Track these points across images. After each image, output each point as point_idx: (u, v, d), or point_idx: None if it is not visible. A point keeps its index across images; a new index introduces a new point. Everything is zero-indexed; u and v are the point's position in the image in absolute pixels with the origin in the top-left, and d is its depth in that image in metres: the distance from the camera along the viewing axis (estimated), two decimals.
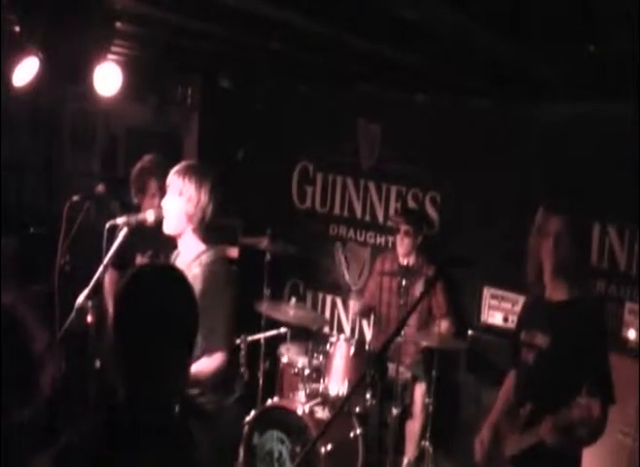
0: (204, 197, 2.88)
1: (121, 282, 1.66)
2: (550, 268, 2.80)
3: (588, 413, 2.48)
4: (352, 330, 5.38)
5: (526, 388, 2.90)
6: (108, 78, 3.40)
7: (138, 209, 3.92)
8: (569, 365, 2.70)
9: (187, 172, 2.90)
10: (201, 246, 2.93)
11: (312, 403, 4.14)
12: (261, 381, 4.62)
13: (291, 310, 4.49)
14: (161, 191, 3.99)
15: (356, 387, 4.14)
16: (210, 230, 2.98)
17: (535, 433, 2.69)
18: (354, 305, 4.91)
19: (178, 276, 1.74)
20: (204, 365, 2.76)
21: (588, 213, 4.31)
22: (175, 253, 3.09)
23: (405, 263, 4.75)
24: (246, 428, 4.12)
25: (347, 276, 5.56)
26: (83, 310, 2.75)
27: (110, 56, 3.37)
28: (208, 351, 2.75)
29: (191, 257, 2.91)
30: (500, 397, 3.11)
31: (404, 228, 4.74)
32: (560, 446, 2.63)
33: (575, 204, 3.19)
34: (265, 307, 4.56)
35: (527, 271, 2.91)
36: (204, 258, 2.88)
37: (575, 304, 2.79)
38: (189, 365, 1.70)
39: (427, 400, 4.47)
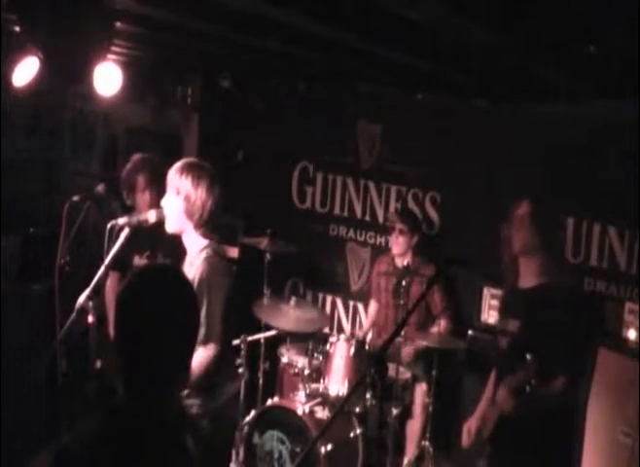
0: (202, 195, 2.87)
1: (123, 283, 1.66)
2: (514, 249, 2.93)
3: (531, 373, 2.63)
4: (365, 334, 5.26)
5: (501, 373, 2.97)
6: (108, 78, 3.39)
7: (133, 210, 3.93)
8: (538, 348, 2.75)
9: (183, 170, 2.90)
10: (202, 243, 2.94)
11: (312, 403, 4.14)
12: (261, 381, 4.61)
13: (291, 311, 4.48)
14: (151, 186, 4.01)
15: (356, 387, 4.14)
16: (212, 227, 2.98)
17: (495, 404, 2.86)
18: (372, 311, 5.07)
19: (180, 277, 1.74)
20: (195, 358, 2.77)
21: (589, 213, 4.34)
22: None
23: (401, 263, 4.73)
24: (246, 428, 4.11)
25: (353, 278, 5.61)
26: (83, 311, 2.75)
27: (110, 56, 3.36)
28: (202, 343, 2.78)
29: (194, 254, 2.92)
30: (487, 388, 3.19)
31: (398, 226, 4.75)
32: (519, 413, 2.75)
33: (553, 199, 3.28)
34: (264, 310, 4.54)
35: (503, 260, 3.03)
36: (203, 254, 2.90)
37: (542, 289, 2.90)
38: (189, 366, 1.70)
39: (427, 400, 4.47)
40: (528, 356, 2.63)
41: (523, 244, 2.90)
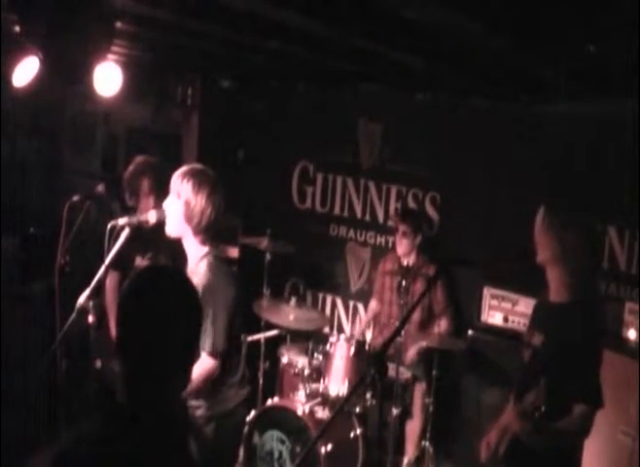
0: (201, 201, 2.85)
1: (125, 283, 1.66)
2: (537, 259, 2.84)
3: (540, 397, 2.59)
4: (362, 332, 5.23)
5: (521, 386, 2.94)
6: (108, 78, 3.39)
7: (134, 211, 3.93)
8: (557, 365, 2.71)
9: (185, 175, 2.89)
10: (202, 250, 2.91)
11: (312, 403, 4.14)
12: (261, 381, 4.62)
13: (291, 311, 4.48)
14: (155, 190, 4.02)
15: (356, 387, 4.14)
16: (212, 232, 2.96)
17: (507, 424, 2.79)
18: (373, 307, 5.08)
19: (182, 278, 1.74)
20: (197, 367, 2.72)
21: (588, 213, 4.34)
22: None
23: (405, 262, 4.78)
24: (246, 428, 4.11)
25: (353, 278, 5.61)
26: (84, 311, 2.75)
27: (110, 56, 3.36)
28: (202, 353, 2.75)
29: (194, 262, 2.90)
30: (510, 402, 3.12)
31: (402, 228, 4.77)
32: (533, 443, 2.68)
33: (572, 205, 3.21)
34: (264, 310, 4.55)
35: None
36: (203, 263, 2.87)
37: (569, 306, 2.81)
38: (191, 367, 1.70)
39: (427, 400, 4.47)
40: (542, 380, 2.57)
41: (543, 254, 2.80)
